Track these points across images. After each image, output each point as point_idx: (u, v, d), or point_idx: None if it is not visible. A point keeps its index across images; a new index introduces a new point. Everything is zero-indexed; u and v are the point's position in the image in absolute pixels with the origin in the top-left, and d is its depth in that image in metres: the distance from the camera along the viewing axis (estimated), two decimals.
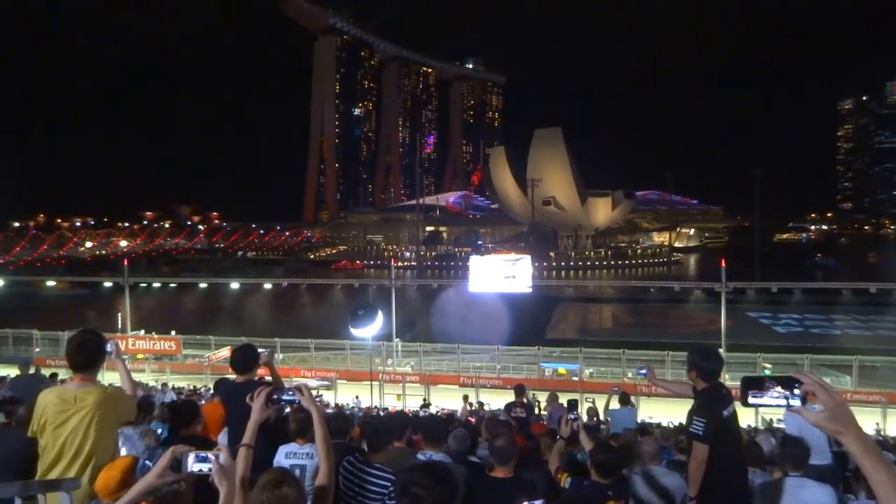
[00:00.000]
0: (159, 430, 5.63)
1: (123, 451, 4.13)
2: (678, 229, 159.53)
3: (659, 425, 15.34)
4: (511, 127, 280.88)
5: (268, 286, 58.50)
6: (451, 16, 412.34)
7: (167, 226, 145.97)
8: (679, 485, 4.58)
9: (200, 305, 66.09)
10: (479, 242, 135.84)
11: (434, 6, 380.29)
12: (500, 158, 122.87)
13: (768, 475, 5.47)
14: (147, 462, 2.79)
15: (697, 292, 53.52)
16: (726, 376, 16.39)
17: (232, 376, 5.64)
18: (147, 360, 32.22)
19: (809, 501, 4.04)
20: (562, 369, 30.37)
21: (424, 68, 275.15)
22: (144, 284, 59.13)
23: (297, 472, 3.98)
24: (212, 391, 14.29)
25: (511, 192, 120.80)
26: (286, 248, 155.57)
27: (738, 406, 3.74)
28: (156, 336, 33.74)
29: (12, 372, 16.71)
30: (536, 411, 13.16)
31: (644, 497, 4.55)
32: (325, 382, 29.63)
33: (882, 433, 19.90)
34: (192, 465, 2.35)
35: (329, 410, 15.10)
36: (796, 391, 1.74)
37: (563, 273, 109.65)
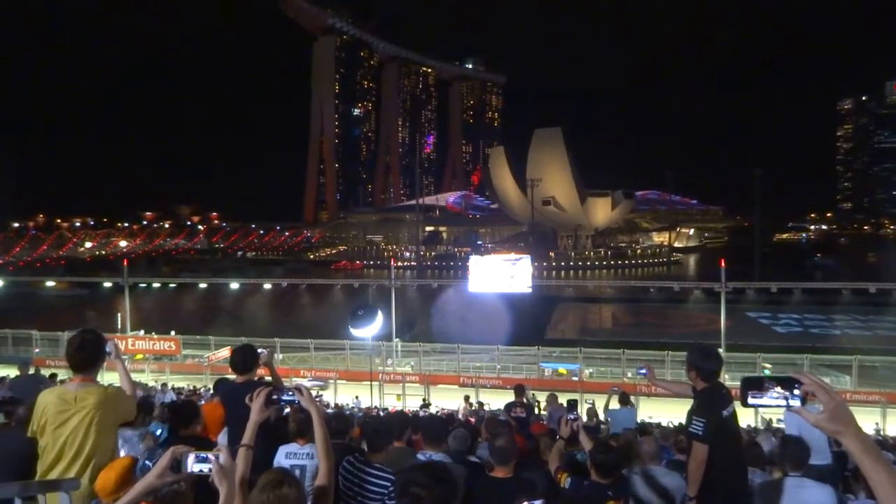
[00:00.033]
0: (159, 431, 5.62)
1: (123, 453, 4.14)
2: (678, 229, 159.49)
3: (659, 425, 15.35)
4: (511, 127, 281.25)
5: (267, 286, 58.48)
6: (451, 16, 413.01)
7: (167, 226, 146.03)
8: (679, 485, 4.58)
9: (200, 305, 66.07)
10: (479, 242, 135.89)
11: (434, 6, 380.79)
12: (499, 158, 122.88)
13: (768, 475, 5.47)
14: (147, 462, 2.80)
15: (697, 292, 53.51)
16: (726, 376, 16.42)
17: (232, 376, 5.64)
18: (147, 361, 32.21)
19: (809, 501, 4.04)
20: (562, 369, 30.41)
21: (424, 68, 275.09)
22: (144, 285, 59.08)
23: (298, 472, 3.98)
24: (211, 391, 14.28)
25: (511, 192, 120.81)
26: (286, 249, 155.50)
27: (737, 406, 3.74)
28: (155, 336, 33.72)
29: (12, 372, 16.69)
30: (536, 411, 13.17)
31: (644, 497, 4.55)
32: (320, 383, 29.61)
33: (882, 433, 19.91)
34: (192, 465, 2.35)
35: (329, 410, 15.11)
36: (796, 391, 1.74)
37: (562, 273, 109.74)
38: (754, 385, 1.78)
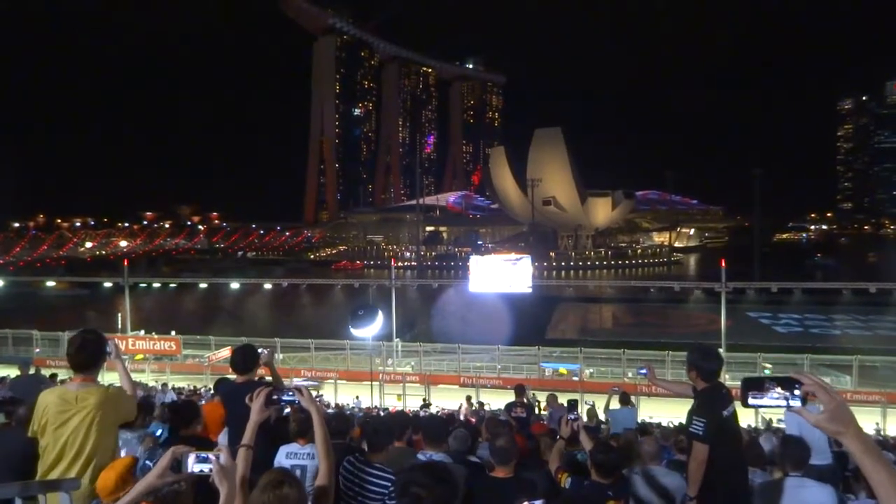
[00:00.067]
0: (159, 431, 5.62)
1: (123, 454, 4.14)
2: (678, 229, 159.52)
3: (659, 425, 15.33)
4: (511, 127, 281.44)
5: (268, 286, 58.47)
6: (451, 16, 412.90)
7: (167, 226, 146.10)
8: (679, 485, 4.58)
9: (200, 305, 66.06)
10: (479, 242, 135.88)
11: (434, 6, 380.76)
12: (500, 158, 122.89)
13: (768, 475, 5.47)
14: (147, 462, 2.80)
15: (697, 292, 53.49)
16: (726, 376, 16.44)
17: (232, 376, 5.65)
18: (147, 361, 32.22)
19: (810, 501, 4.04)
20: (562, 369, 30.40)
21: (424, 68, 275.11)
22: (144, 284, 59.14)
23: (298, 472, 3.98)
24: (212, 391, 14.30)
25: (511, 192, 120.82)
26: (286, 249, 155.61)
27: (738, 406, 3.74)
28: (156, 336, 33.72)
29: (12, 372, 16.73)
30: (537, 411, 13.17)
31: (644, 497, 4.55)
32: (314, 383, 29.51)
33: (882, 433, 19.90)
34: (193, 465, 2.35)
35: (329, 410, 15.11)
36: (796, 392, 1.74)
37: (563, 273, 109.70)
38: (755, 385, 1.78)
